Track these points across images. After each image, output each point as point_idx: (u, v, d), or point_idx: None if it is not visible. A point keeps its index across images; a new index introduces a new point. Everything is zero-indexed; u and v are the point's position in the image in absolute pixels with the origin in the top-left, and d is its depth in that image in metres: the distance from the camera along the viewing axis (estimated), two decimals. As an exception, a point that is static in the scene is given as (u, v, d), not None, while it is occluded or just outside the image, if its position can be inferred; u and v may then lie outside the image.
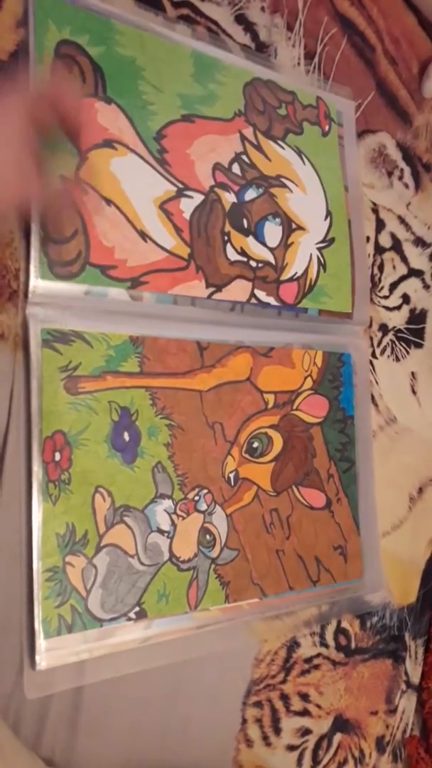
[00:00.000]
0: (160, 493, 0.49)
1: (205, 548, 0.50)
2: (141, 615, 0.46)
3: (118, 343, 0.48)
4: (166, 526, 0.49)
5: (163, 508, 0.49)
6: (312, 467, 0.58)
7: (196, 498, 0.51)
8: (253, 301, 0.56)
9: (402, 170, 0.71)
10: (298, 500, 0.57)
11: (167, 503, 0.49)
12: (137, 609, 0.46)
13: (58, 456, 0.44)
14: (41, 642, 0.42)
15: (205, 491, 0.51)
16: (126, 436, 0.48)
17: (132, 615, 0.46)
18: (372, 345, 0.67)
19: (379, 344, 0.67)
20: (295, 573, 0.55)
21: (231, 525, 0.52)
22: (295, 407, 0.58)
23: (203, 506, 0.51)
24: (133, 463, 0.48)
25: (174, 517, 0.49)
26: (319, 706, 0.60)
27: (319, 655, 0.60)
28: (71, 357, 0.46)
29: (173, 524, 0.49)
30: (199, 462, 0.51)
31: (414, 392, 0.70)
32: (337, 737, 0.61)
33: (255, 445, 0.55)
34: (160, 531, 0.48)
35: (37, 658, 0.42)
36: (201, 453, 0.51)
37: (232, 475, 0.53)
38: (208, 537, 0.51)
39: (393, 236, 0.69)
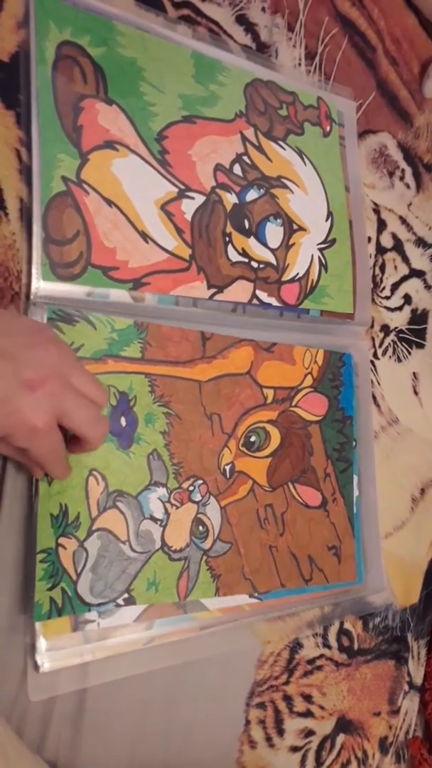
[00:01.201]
0: (154, 481, 0.48)
1: (198, 539, 0.50)
2: (129, 602, 0.45)
3: (122, 328, 0.48)
4: (159, 514, 0.48)
5: (156, 496, 0.48)
6: (309, 465, 0.58)
7: (191, 488, 0.50)
8: (255, 302, 0.56)
9: (403, 170, 0.71)
10: (293, 497, 0.56)
11: (161, 491, 0.48)
12: (126, 596, 0.45)
13: None
14: (41, 642, 0.42)
15: (200, 482, 0.51)
16: (123, 421, 0.47)
17: (120, 601, 0.45)
18: (374, 345, 0.67)
19: (380, 345, 0.67)
20: (287, 570, 0.55)
21: (225, 518, 0.52)
22: (294, 404, 0.57)
23: (197, 497, 0.50)
24: (128, 448, 0.47)
25: (168, 505, 0.48)
26: (322, 707, 0.60)
27: (321, 656, 0.60)
28: (74, 338, 0.45)
29: (166, 513, 0.48)
30: (196, 452, 0.51)
31: (416, 393, 0.70)
32: (340, 738, 0.61)
33: (252, 439, 0.54)
34: (153, 519, 0.48)
35: (38, 658, 0.42)
36: (198, 443, 0.51)
37: (228, 468, 0.52)
38: (201, 528, 0.50)
39: (394, 236, 0.69)
